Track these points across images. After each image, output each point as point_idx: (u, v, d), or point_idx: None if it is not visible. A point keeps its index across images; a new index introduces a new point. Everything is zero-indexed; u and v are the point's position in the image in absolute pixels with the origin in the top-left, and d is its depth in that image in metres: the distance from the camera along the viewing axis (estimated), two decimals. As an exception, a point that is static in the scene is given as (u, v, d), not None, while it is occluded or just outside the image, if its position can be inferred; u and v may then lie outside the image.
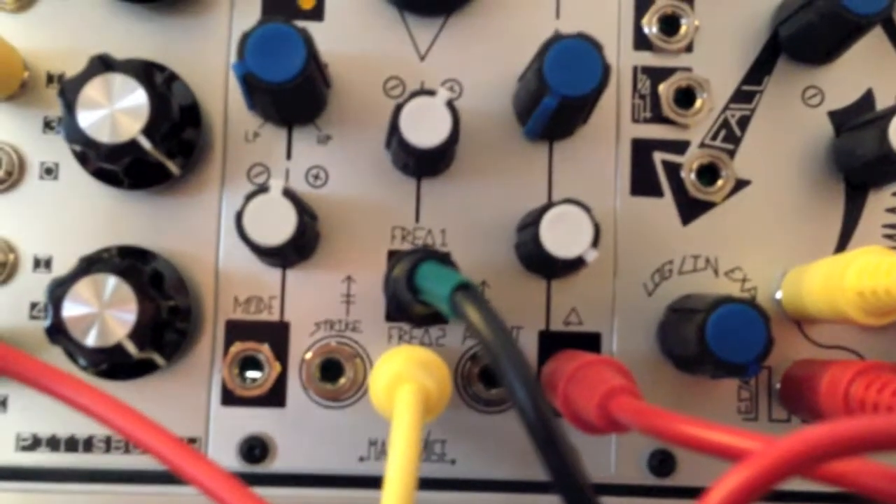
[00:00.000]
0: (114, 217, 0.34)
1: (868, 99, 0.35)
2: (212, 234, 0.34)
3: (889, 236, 0.35)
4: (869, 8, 0.31)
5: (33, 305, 0.34)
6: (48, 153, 0.34)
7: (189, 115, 0.33)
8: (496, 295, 0.34)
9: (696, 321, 0.30)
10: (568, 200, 0.31)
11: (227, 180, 0.34)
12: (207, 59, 0.34)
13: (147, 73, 0.31)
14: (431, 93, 0.31)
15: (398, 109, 0.31)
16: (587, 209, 0.31)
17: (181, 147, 0.33)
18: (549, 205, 0.31)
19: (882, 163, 0.32)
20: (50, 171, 0.34)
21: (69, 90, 0.30)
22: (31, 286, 0.34)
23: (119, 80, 0.30)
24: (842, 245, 0.35)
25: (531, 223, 0.32)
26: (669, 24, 0.35)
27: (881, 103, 0.35)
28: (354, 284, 0.34)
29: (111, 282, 0.30)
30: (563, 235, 0.31)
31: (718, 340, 0.30)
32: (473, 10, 0.35)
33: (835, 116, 0.35)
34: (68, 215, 0.34)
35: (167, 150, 0.32)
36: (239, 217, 0.30)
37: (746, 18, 0.35)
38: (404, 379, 0.25)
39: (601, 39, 0.35)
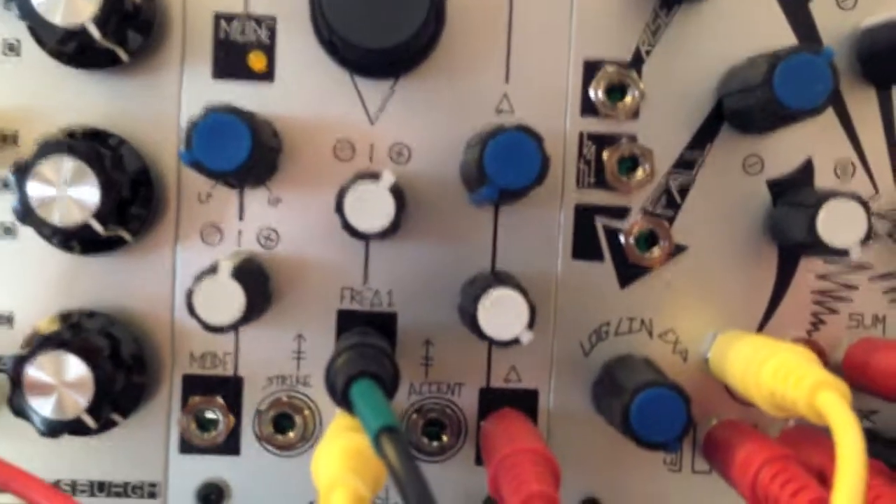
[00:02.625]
0: (69, 279, 0.35)
1: (807, 168, 0.36)
2: (167, 293, 0.35)
3: (818, 302, 0.37)
4: (804, 103, 0.32)
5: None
6: (3, 213, 0.35)
7: (140, 181, 0.34)
8: (439, 353, 0.36)
9: (622, 400, 0.32)
10: (504, 283, 0.33)
11: (181, 240, 0.35)
12: (159, 121, 0.35)
13: (97, 157, 0.31)
14: (376, 176, 0.32)
15: (342, 194, 0.32)
16: (524, 292, 0.32)
17: (133, 217, 0.34)
18: (487, 285, 0.33)
19: (812, 246, 0.33)
20: (8, 231, 0.35)
21: (20, 169, 0.31)
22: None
23: (70, 165, 0.31)
24: (772, 308, 0.37)
25: (469, 302, 0.33)
26: (616, 92, 0.36)
27: (820, 171, 0.36)
28: (305, 342, 0.36)
29: (70, 359, 0.31)
30: (499, 318, 0.32)
31: (641, 423, 0.32)
32: (423, 72, 0.35)
33: (773, 185, 0.36)
34: (25, 276, 0.35)
35: (120, 222, 0.33)
36: (189, 298, 0.32)
37: (692, 87, 0.36)
38: (338, 484, 0.27)
39: (549, 104, 0.36)
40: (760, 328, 0.37)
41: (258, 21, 0.35)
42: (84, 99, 0.35)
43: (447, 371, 0.36)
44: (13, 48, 0.34)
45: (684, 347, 0.37)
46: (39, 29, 0.31)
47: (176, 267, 0.35)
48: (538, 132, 0.31)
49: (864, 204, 0.33)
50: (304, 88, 0.35)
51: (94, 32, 0.31)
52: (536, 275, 0.36)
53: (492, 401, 0.36)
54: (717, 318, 0.37)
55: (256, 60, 0.35)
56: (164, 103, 0.35)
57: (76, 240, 0.34)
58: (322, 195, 0.35)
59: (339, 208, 0.32)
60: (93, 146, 0.31)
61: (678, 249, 0.36)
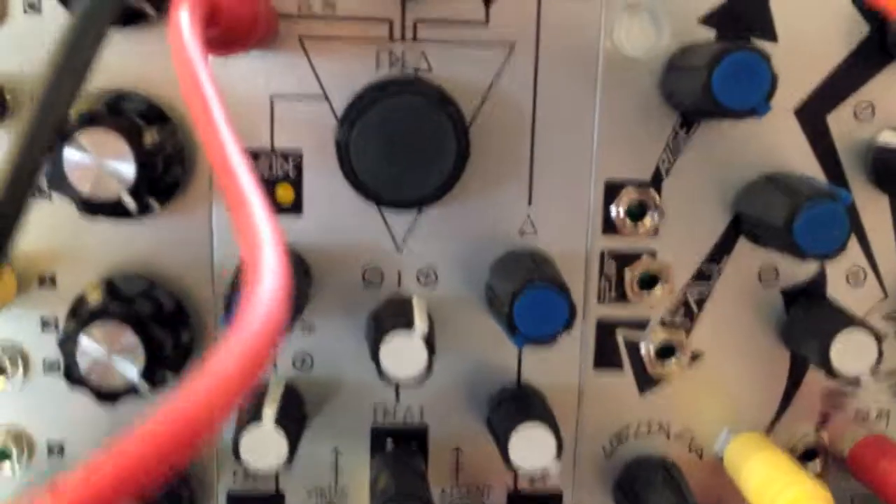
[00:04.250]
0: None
1: (821, 277, 0.38)
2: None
3: (826, 400, 0.39)
4: (822, 249, 0.33)
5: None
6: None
7: (177, 318, 0.35)
8: (468, 458, 0.38)
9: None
10: (531, 411, 0.34)
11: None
12: (193, 255, 0.36)
13: (138, 318, 0.32)
14: (409, 326, 0.33)
15: (377, 344, 0.33)
16: (555, 429, 0.34)
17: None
18: (516, 416, 0.34)
19: (825, 369, 0.35)
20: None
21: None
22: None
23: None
24: (783, 408, 0.39)
25: (501, 432, 0.35)
26: (637, 212, 0.37)
27: (832, 279, 0.38)
28: (341, 456, 0.38)
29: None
30: (528, 451, 0.34)
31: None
32: (448, 199, 0.36)
33: (787, 293, 0.38)
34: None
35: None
36: (235, 446, 0.33)
37: (710, 202, 0.37)
38: None
39: (571, 225, 0.37)
40: (772, 426, 0.39)
41: (285, 156, 0.35)
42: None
43: (476, 475, 0.38)
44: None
45: (699, 445, 0.39)
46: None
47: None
48: (566, 292, 0.32)
49: (878, 337, 0.34)
50: (332, 219, 0.36)
51: (130, 204, 0.31)
52: (560, 385, 0.38)
53: (519, 503, 0.39)
54: (731, 418, 0.39)
55: (284, 194, 0.36)
56: (196, 237, 0.36)
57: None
58: (354, 319, 0.37)
59: (375, 357, 0.33)
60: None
61: (695, 356, 0.38)
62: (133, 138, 0.31)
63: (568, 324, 0.33)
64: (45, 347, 0.36)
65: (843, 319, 0.35)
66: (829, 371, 0.34)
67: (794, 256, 0.34)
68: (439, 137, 0.33)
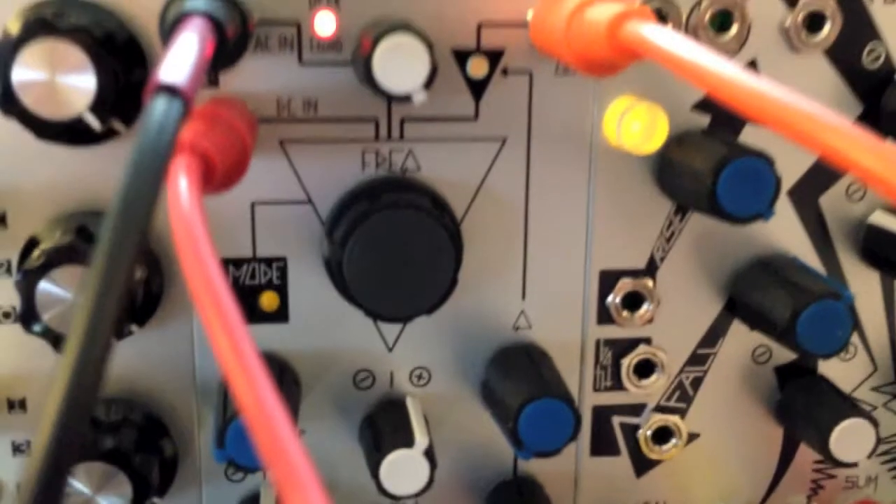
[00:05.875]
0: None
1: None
2: None
3: (817, 470, 0.39)
4: (824, 349, 0.32)
5: None
6: None
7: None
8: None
9: None
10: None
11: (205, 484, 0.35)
12: (175, 375, 0.34)
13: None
14: (409, 443, 0.32)
15: (377, 465, 0.32)
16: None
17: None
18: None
19: (822, 454, 0.35)
20: None
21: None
22: None
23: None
24: (776, 480, 0.39)
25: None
26: (632, 302, 0.36)
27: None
28: (337, 558, 0.37)
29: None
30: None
31: None
32: (440, 297, 0.35)
33: (780, 371, 0.38)
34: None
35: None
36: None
37: (704, 287, 0.36)
38: None
39: (566, 316, 0.36)
40: (765, 499, 0.39)
41: (268, 263, 0.33)
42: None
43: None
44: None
45: (695, 521, 0.39)
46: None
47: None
48: (571, 403, 0.32)
49: (875, 423, 0.34)
50: (320, 324, 0.34)
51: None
52: (556, 473, 0.37)
53: (519, 587, 0.38)
54: (726, 492, 0.39)
55: (269, 302, 0.34)
56: (179, 352, 0.34)
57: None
58: (346, 422, 0.35)
59: (375, 475, 0.32)
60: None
61: (691, 437, 0.38)
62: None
63: (573, 435, 0.32)
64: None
65: (840, 408, 0.35)
66: (829, 459, 0.35)
67: (792, 352, 0.34)
68: (435, 250, 0.31)
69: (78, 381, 0.14)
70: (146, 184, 0.17)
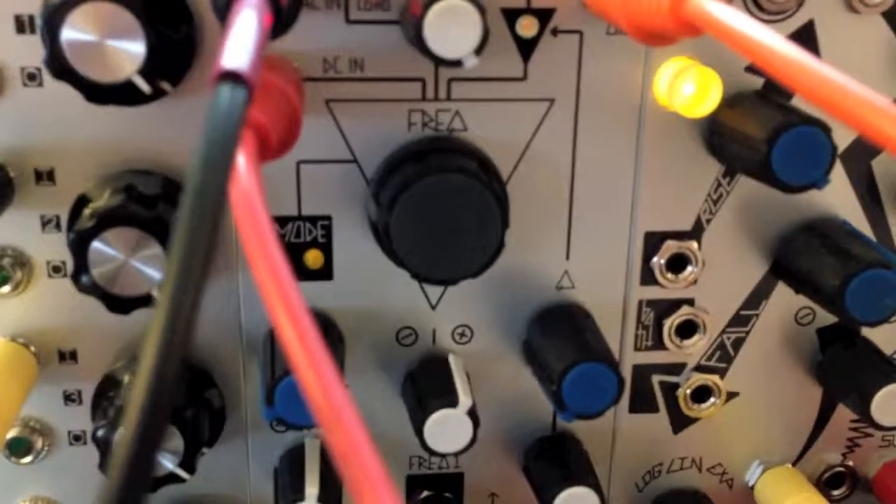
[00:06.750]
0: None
1: (855, 316, 0.37)
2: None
3: (854, 428, 0.39)
4: (872, 317, 0.32)
5: None
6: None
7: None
8: (505, 502, 0.38)
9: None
10: (579, 480, 0.34)
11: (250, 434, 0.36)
12: (222, 329, 0.34)
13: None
14: (453, 404, 0.33)
15: (421, 423, 0.32)
16: (597, 489, 0.34)
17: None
18: (562, 482, 0.34)
19: (864, 421, 0.35)
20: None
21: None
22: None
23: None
24: (812, 439, 0.39)
25: (544, 485, 0.35)
26: (677, 264, 0.36)
27: (866, 318, 0.37)
28: None
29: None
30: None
31: None
32: (484, 256, 0.35)
33: (822, 333, 0.37)
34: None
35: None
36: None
37: (750, 250, 0.36)
38: None
39: (609, 277, 0.36)
40: (801, 456, 0.39)
41: (313, 221, 0.33)
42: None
43: (514, 516, 0.39)
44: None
45: (730, 476, 0.39)
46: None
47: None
48: (615, 367, 0.32)
49: (915, 387, 0.34)
50: (364, 282, 0.34)
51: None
52: (595, 428, 0.38)
53: (553, 540, 0.39)
54: (762, 450, 0.39)
55: (314, 259, 0.34)
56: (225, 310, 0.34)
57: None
58: (389, 376, 0.36)
59: (419, 433, 0.33)
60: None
61: (729, 396, 0.38)
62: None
63: (616, 399, 0.32)
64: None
65: (883, 372, 0.35)
66: (870, 423, 0.35)
67: (841, 320, 0.33)
68: (482, 214, 0.31)
69: (165, 360, 0.15)
70: (217, 176, 0.17)
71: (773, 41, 0.21)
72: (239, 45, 0.19)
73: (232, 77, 0.18)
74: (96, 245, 0.29)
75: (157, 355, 0.15)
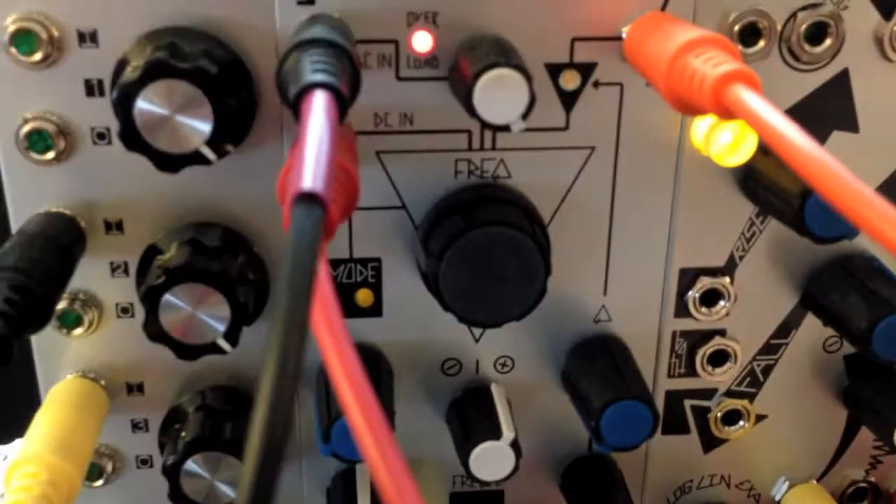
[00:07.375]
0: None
1: (882, 342, 0.39)
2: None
3: (878, 447, 0.41)
4: (891, 355, 0.34)
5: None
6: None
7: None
8: (538, 512, 0.41)
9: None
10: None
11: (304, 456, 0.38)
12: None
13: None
14: (497, 436, 0.35)
15: (467, 455, 0.34)
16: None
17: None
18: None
19: (890, 449, 0.37)
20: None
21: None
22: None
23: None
24: (837, 457, 0.41)
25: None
26: (710, 298, 0.37)
27: (892, 345, 0.39)
28: None
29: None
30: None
31: None
32: (525, 292, 0.36)
33: (849, 360, 0.39)
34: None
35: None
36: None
37: (781, 284, 0.37)
38: None
39: (644, 311, 0.37)
40: (825, 472, 0.41)
41: (364, 263, 0.35)
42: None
43: (545, 525, 0.41)
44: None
45: (757, 492, 0.41)
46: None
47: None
48: (650, 405, 0.34)
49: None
50: (411, 318, 0.36)
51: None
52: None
53: (588, 550, 0.42)
54: (789, 467, 0.41)
55: (364, 298, 0.36)
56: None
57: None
58: (433, 403, 0.38)
59: (465, 464, 0.35)
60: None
61: (759, 419, 0.40)
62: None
63: (651, 434, 0.34)
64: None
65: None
66: (893, 450, 0.36)
67: (867, 357, 0.35)
68: (526, 263, 0.32)
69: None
70: (302, 295, 0.18)
71: (801, 142, 0.22)
72: (314, 165, 0.20)
73: (309, 198, 0.20)
74: (166, 298, 0.31)
75: None
